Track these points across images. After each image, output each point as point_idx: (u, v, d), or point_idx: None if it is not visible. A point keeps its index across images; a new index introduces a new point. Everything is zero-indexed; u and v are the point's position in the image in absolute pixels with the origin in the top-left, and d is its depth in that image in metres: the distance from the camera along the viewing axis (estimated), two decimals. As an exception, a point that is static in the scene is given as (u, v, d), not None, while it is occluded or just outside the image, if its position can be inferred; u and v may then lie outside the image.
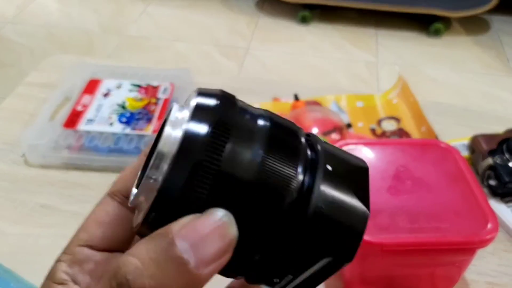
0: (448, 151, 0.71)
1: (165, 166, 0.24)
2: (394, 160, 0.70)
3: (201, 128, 0.24)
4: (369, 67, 1.24)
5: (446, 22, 1.39)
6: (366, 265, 0.67)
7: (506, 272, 0.74)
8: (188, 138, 0.24)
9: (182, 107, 0.27)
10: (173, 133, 0.25)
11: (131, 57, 1.22)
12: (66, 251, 0.31)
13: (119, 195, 0.33)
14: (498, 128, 0.90)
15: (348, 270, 0.69)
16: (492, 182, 0.81)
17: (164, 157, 0.24)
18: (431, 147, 0.73)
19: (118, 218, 0.33)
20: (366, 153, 0.71)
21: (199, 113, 0.25)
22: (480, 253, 0.64)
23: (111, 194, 0.33)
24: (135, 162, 0.34)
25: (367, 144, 0.72)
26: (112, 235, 0.33)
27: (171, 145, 0.24)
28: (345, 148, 0.69)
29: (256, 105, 0.88)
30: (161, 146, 0.25)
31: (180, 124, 0.25)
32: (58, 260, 0.31)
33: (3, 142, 0.91)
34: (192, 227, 0.24)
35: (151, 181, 0.25)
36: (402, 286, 0.69)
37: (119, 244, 0.33)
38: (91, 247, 0.32)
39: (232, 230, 0.25)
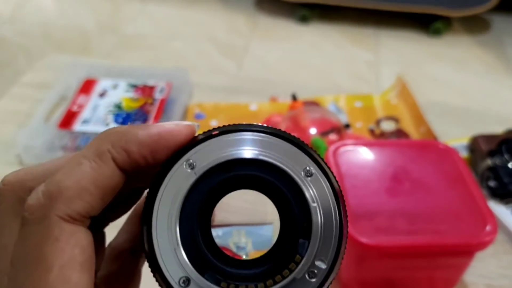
0: (447, 152, 0.71)
1: (322, 269, 0.24)
2: (392, 161, 0.69)
3: (343, 245, 0.25)
4: (369, 66, 1.23)
5: (446, 22, 1.38)
6: (363, 267, 0.66)
7: (506, 275, 0.73)
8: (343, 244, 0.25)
9: (306, 183, 0.25)
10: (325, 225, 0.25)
11: (128, 56, 1.22)
12: None
13: (81, 219, 0.23)
14: (498, 128, 0.89)
15: (345, 272, 0.68)
16: (492, 183, 0.80)
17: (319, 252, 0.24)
18: (429, 148, 0.72)
19: (93, 250, 0.24)
20: (364, 154, 0.70)
21: (344, 212, 0.25)
22: (479, 255, 0.63)
23: (69, 219, 0.23)
24: (88, 167, 0.24)
25: (365, 145, 0.71)
26: (94, 276, 0.24)
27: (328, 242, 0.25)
28: (342, 150, 0.69)
29: (254, 105, 0.86)
30: (315, 254, 0.24)
31: (320, 211, 0.25)
32: None
33: (-2, 143, 0.90)
34: None
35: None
36: (400, 289, 0.69)
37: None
38: None
39: None
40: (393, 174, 0.67)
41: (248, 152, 0.25)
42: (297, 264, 0.24)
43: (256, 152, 0.25)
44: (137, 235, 0.31)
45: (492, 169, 0.80)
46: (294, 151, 0.25)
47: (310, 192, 0.25)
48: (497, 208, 0.78)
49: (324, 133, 0.84)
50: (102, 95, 0.95)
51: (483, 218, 0.61)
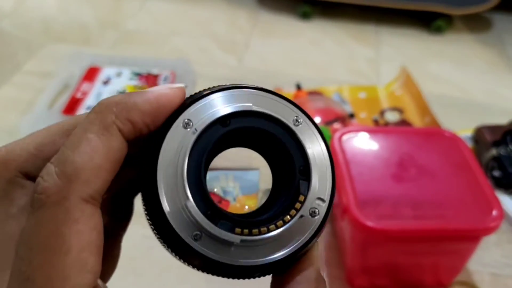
0: (453, 140, 0.71)
1: (322, 207, 0.26)
2: (398, 148, 0.69)
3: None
4: (370, 63, 1.23)
5: (448, 20, 1.38)
6: (368, 253, 0.66)
7: (510, 264, 0.73)
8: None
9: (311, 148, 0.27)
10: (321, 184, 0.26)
11: (128, 52, 1.21)
12: None
13: (99, 198, 0.23)
14: (501, 121, 0.89)
15: (350, 260, 0.68)
16: (496, 173, 0.80)
17: (316, 198, 0.26)
18: (435, 135, 0.72)
19: (102, 236, 0.23)
20: (369, 141, 0.70)
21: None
22: (483, 244, 0.63)
23: (90, 200, 0.22)
24: (98, 141, 0.23)
25: (370, 132, 0.71)
26: (100, 262, 0.23)
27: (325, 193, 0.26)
28: (347, 136, 0.69)
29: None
30: (315, 193, 0.26)
31: (313, 154, 0.26)
32: None
33: (0, 130, 0.90)
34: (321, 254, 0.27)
35: (300, 217, 0.25)
36: (405, 276, 0.69)
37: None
38: None
39: None
40: (398, 161, 0.67)
41: (241, 106, 0.26)
42: (302, 203, 0.25)
43: (249, 104, 0.26)
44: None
45: (497, 159, 0.80)
46: (283, 103, 0.27)
47: (303, 137, 0.26)
48: (502, 198, 0.78)
49: (328, 123, 0.84)
50: (106, 82, 0.95)
51: (489, 204, 0.62)
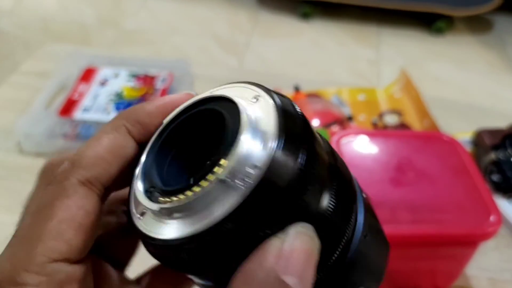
0: (451, 144, 0.70)
1: (253, 174, 0.22)
2: (396, 152, 0.69)
3: (289, 160, 0.23)
4: (371, 64, 1.22)
5: (449, 21, 1.38)
6: (365, 258, 0.65)
7: (508, 268, 0.73)
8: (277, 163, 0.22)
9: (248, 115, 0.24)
10: (255, 145, 0.23)
11: (128, 51, 1.20)
12: (30, 268, 0.23)
13: (98, 185, 0.26)
14: (501, 124, 0.89)
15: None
16: (495, 177, 0.80)
17: (244, 162, 0.22)
18: (434, 139, 0.72)
19: (98, 219, 0.26)
20: (368, 144, 0.69)
21: (289, 142, 0.23)
22: (482, 248, 0.62)
23: (87, 183, 0.25)
24: (106, 138, 0.27)
25: (368, 135, 0.71)
26: (91, 243, 0.26)
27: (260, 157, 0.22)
28: (346, 139, 0.69)
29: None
30: (247, 159, 0.22)
31: (254, 122, 0.24)
32: (21, 284, 0.23)
33: (-2, 130, 0.90)
34: (292, 255, 0.22)
35: (223, 182, 0.22)
36: (402, 281, 0.68)
37: (88, 251, 0.26)
38: (69, 261, 0.24)
39: (316, 241, 0.23)
40: (397, 164, 0.67)
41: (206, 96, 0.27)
42: (222, 167, 0.22)
43: (216, 94, 0.27)
44: None
45: (496, 163, 0.80)
46: (253, 88, 0.27)
47: (249, 107, 0.25)
48: (500, 202, 0.78)
49: (327, 125, 0.84)
50: (103, 83, 0.94)
51: (487, 209, 0.61)
